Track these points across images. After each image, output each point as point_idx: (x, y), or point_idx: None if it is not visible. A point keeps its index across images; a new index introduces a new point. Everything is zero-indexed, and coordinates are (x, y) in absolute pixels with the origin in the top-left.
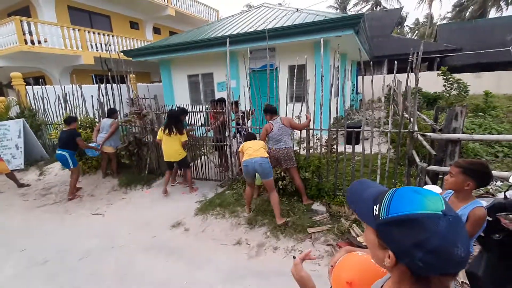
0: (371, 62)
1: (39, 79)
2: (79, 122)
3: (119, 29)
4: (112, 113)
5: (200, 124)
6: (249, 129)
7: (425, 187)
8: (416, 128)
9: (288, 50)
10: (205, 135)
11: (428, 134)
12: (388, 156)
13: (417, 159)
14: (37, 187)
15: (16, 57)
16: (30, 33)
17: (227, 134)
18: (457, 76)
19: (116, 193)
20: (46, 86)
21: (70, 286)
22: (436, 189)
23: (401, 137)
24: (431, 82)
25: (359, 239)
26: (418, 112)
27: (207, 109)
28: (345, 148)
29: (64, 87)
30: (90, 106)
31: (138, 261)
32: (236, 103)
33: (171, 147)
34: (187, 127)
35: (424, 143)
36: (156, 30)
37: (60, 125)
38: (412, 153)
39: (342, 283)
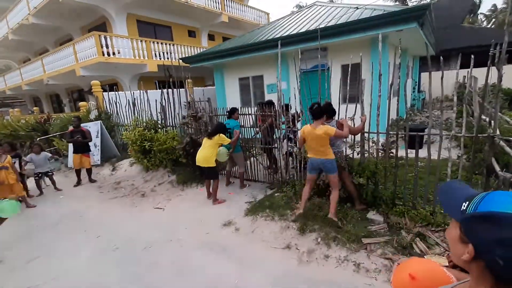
0: (441, 57)
1: (112, 86)
2: (145, 124)
3: (179, 38)
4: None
5: (249, 126)
6: (299, 132)
7: None
8: (498, 132)
9: (341, 48)
10: (254, 137)
11: None
12: (460, 164)
13: (497, 168)
14: (110, 181)
15: (95, 67)
16: (107, 46)
17: (275, 136)
18: None
19: (174, 190)
20: (118, 92)
21: (134, 273)
22: None
23: (477, 142)
24: None
25: (426, 257)
26: (500, 114)
27: (256, 112)
28: (406, 153)
29: (133, 92)
30: (154, 109)
31: (193, 256)
32: (287, 106)
33: (203, 152)
34: (239, 129)
35: (508, 149)
36: (211, 37)
37: (129, 127)
38: (492, 160)
39: (404, 275)
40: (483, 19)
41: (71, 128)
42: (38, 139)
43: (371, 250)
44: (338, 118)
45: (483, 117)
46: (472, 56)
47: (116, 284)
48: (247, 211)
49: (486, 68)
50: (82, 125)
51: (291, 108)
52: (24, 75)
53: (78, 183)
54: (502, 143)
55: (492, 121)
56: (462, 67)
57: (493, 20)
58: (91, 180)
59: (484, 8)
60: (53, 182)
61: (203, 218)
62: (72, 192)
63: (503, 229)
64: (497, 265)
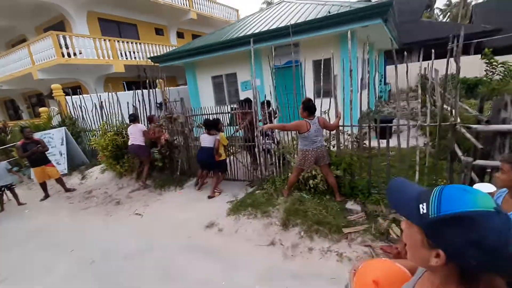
0: (405, 52)
1: (76, 89)
2: (116, 129)
3: (145, 36)
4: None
5: (226, 124)
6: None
7: (476, 185)
8: (458, 120)
9: (312, 44)
10: (233, 135)
11: (474, 126)
12: (427, 151)
13: (460, 153)
14: (80, 191)
15: (54, 70)
16: (66, 46)
17: (256, 133)
18: (501, 59)
19: (151, 195)
20: (83, 95)
21: (117, 283)
22: (489, 187)
23: (441, 130)
24: (468, 66)
25: None
26: (459, 102)
27: (234, 109)
28: (378, 143)
29: (100, 95)
30: (126, 112)
31: (177, 261)
32: (268, 103)
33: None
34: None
35: (468, 135)
36: (180, 35)
37: (98, 132)
38: (454, 147)
39: (368, 283)
40: (439, 14)
41: (21, 140)
42: None
43: (351, 239)
44: (320, 115)
45: (445, 106)
46: (433, 51)
47: None
48: (229, 211)
49: (443, 60)
50: (43, 132)
51: (270, 106)
52: None
53: (46, 197)
54: (463, 130)
55: (453, 110)
56: (421, 59)
57: (448, 14)
58: (68, 190)
59: (440, 3)
60: (16, 196)
61: (184, 221)
62: (38, 206)
63: (475, 230)
64: (469, 265)
